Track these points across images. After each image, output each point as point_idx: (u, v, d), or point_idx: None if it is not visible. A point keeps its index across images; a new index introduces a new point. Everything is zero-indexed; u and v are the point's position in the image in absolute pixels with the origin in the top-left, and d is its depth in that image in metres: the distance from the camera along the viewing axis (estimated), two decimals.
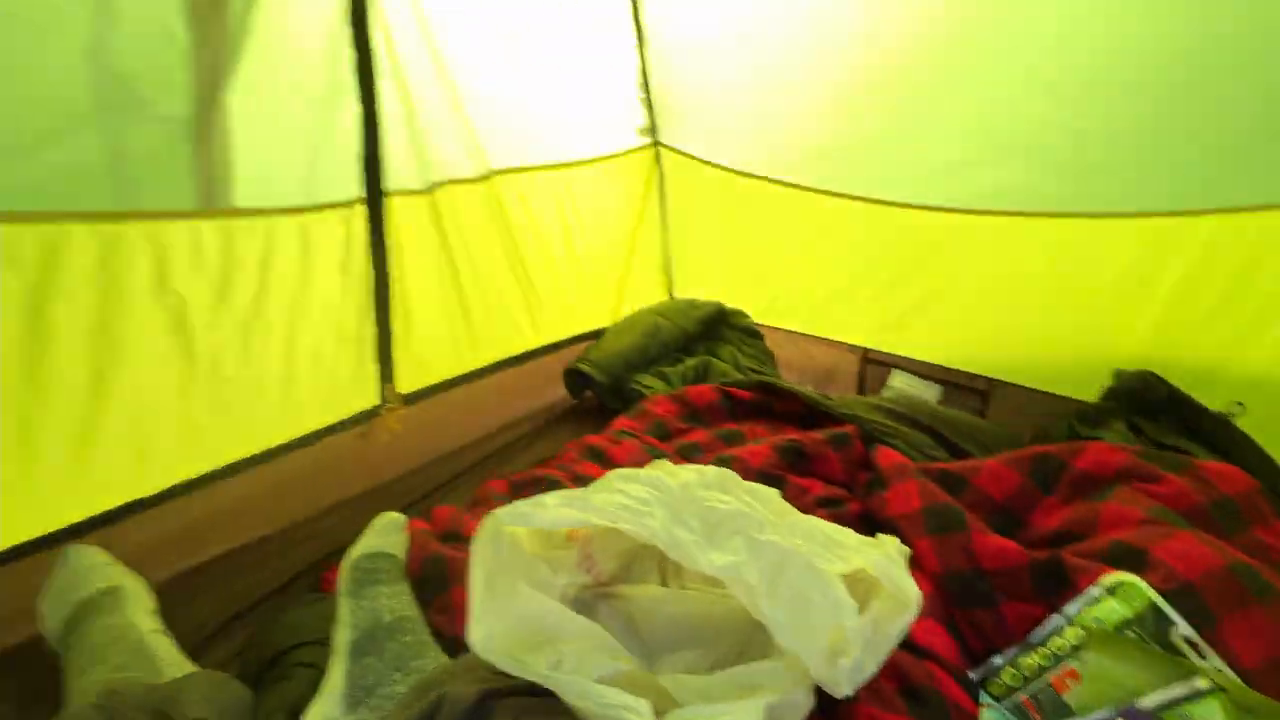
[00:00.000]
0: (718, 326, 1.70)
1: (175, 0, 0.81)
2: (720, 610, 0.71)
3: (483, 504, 1.11)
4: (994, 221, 1.28)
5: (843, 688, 0.61)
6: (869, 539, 0.75)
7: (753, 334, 1.68)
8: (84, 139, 0.78)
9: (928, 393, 1.40)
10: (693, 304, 1.70)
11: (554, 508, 0.57)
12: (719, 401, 1.33)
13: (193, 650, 0.82)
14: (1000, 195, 1.27)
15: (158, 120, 0.85)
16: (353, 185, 1.03)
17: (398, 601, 0.82)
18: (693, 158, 1.64)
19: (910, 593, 0.63)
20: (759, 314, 1.68)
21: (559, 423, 1.55)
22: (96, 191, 0.78)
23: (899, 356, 1.47)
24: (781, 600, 0.57)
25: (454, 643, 0.81)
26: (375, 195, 1.05)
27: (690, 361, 1.62)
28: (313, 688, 0.77)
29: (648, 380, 1.57)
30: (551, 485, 1.10)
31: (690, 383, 1.54)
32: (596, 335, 1.66)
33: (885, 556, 0.67)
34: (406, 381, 1.25)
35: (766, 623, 0.57)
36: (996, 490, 0.91)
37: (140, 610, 0.82)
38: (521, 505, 0.57)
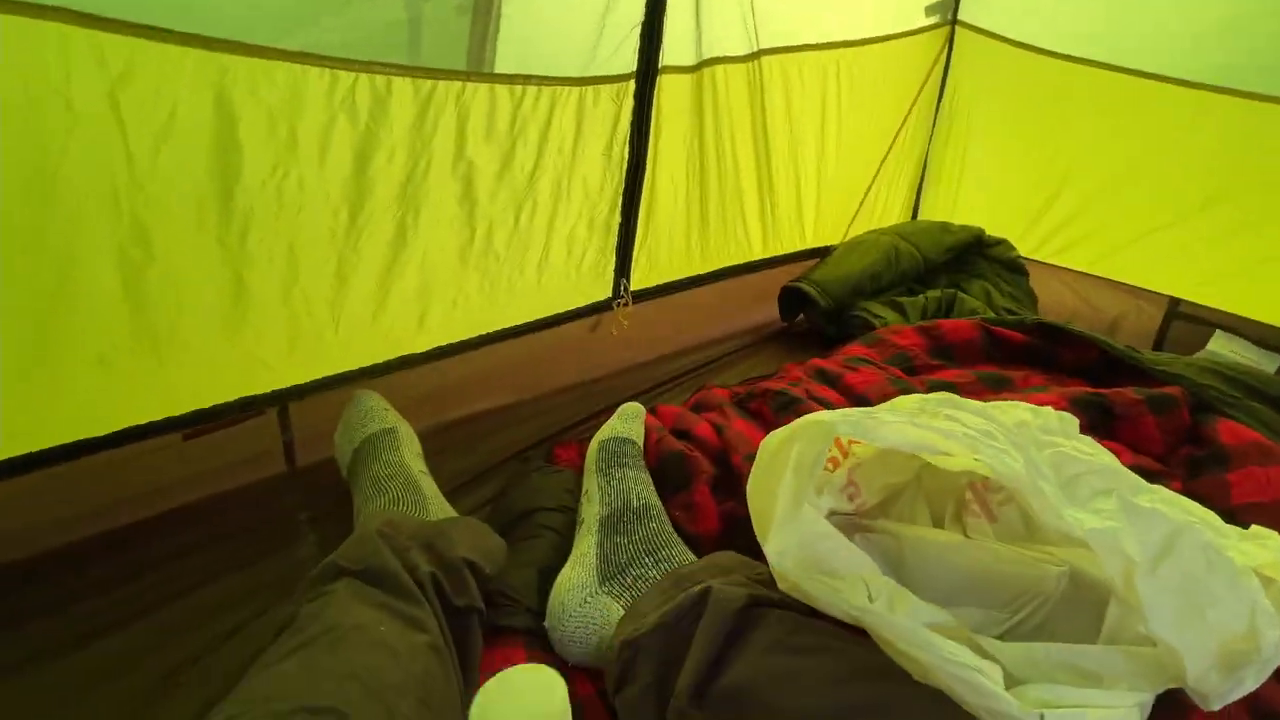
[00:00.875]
0: (970, 256, 1.48)
1: None
2: (1026, 572, 0.61)
3: (708, 409, 1.08)
4: None
5: (1215, 701, 0.49)
6: (1242, 529, 0.59)
7: (1014, 268, 1.44)
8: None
9: (1265, 364, 1.11)
10: (945, 228, 1.48)
11: (895, 424, 0.48)
12: (979, 340, 1.16)
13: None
14: None
15: None
16: (629, 58, 0.97)
17: (643, 488, 0.82)
18: (1000, 38, 1.35)
19: None
20: (1029, 249, 1.42)
21: (768, 343, 1.47)
22: (407, 50, 0.80)
23: (1226, 314, 1.16)
24: (1166, 583, 0.45)
25: (695, 540, 0.80)
26: (648, 72, 0.99)
27: (932, 293, 1.44)
28: (556, 551, 0.80)
29: (878, 309, 1.42)
30: (785, 400, 1.03)
31: (932, 317, 1.37)
32: (821, 254, 1.52)
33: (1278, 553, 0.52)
34: (639, 278, 1.23)
35: (1140, 605, 0.46)
36: None
37: (411, 452, 0.89)
38: (857, 415, 0.49)
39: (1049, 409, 0.59)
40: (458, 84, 0.80)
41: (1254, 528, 0.60)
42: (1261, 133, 1.05)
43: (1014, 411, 0.57)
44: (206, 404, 0.84)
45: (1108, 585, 0.54)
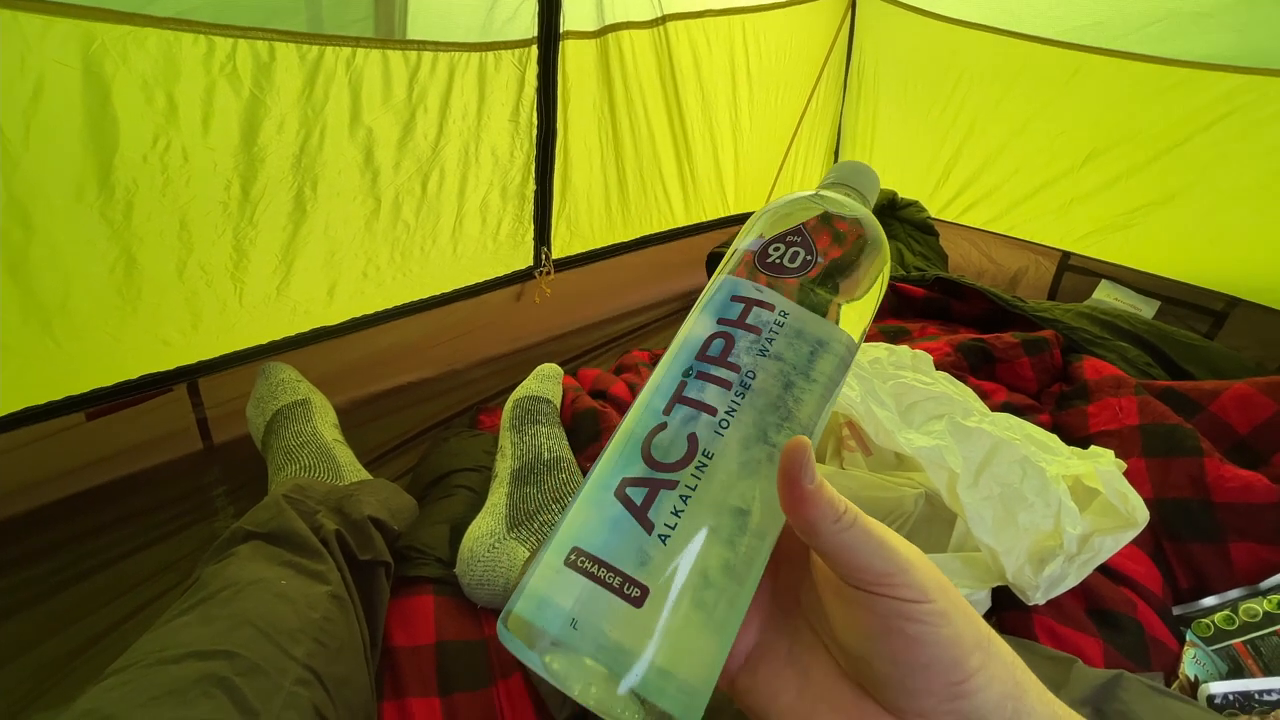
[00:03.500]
0: (884, 218, 1.54)
1: None
2: (888, 496, 0.66)
3: (627, 370, 1.11)
4: None
5: (1036, 596, 0.55)
6: (1080, 449, 0.65)
7: (925, 229, 1.50)
8: None
9: (1144, 310, 1.20)
10: None
11: None
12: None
13: (365, 469, 0.90)
14: None
15: None
16: (529, 23, 0.97)
17: (555, 442, 0.85)
18: (895, 3, 1.40)
19: (1139, 510, 0.55)
20: (938, 209, 1.48)
21: None
22: (294, 15, 0.78)
23: (1111, 265, 1.25)
24: (986, 492, 0.51)
25: None
26: (549, 36, 0.99)
27: None
28: (470, 507, 0.83)
29: None
30: None
31: None
32: (745, 220, 1.56)
33: (1108, 468, 0.58)
34: (559, 246, 1.24)
35: (963, 513, 0.51)
36: (1241, 419, 0.76)
37: (325, 422, 0.90)
38: None
39: (904, 348, 0.63)
40: (347, 50, 0.80)
41: (1092, 448, 0.66)
42: (1128, 90, 1.12)
43: (872, 350, 0.62)
44: (108, 382, 0.83)
45: None
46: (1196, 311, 1.17)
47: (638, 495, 0.23)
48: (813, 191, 0.32)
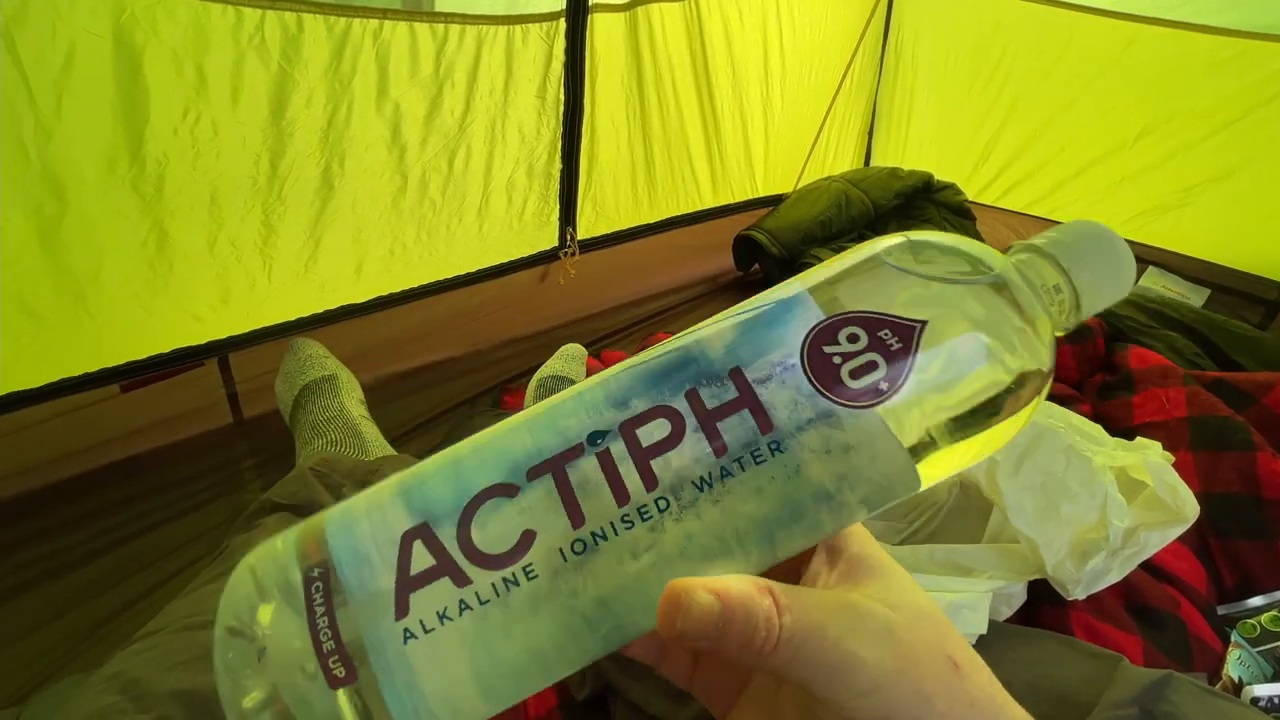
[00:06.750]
0: (919, 202, 1.49)
1: None
2: None
3: None
4: None
5: (1076, 591, 0.53)
6: (1124, 440, 0.63)
7: (961, 212, 1.45)
8: None
9: (1193, 298, 1.15)
10: (894, 173, 1.49)
11: None
12: None
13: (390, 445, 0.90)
14: None
15: None
16: None
17: None
18: None
19: (1189, 504, 0.52)
20: (975, 191, 1.43)
21: (722, 293, 1.49)
22: None
23: (1159, 250, 1.19)
24: (1028, 482, 0.49)
25: None
26: (578, 10, 0.97)
27: None
28: None
29: (826, 255, 1.44)
30: None
31: None
32: (774, 202, 1.52)
33: (1156, 459, 0.55)
34: (585, 226, 1.23)
35: (1002, 503, 0.49)
36: None
37: (352, 398, 0.90)
38: None
39: None
40: (374, 22, 0.79)
41: (1138, 439, 0.63)
42: (1183, 62, 1.06)
43: None
44: (140, 355, 0.84)
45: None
46: (1248, 301, 1.11)
47: (419, 558, 0.16)
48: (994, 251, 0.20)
